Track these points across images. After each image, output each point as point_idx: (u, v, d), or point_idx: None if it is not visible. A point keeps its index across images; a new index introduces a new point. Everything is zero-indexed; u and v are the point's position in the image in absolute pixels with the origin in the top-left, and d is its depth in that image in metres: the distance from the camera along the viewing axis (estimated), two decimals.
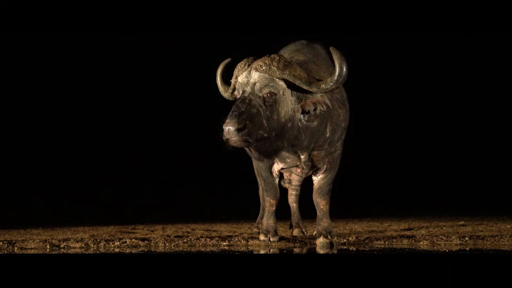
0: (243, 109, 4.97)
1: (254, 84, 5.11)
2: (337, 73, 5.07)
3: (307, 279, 4.00)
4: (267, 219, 6.01)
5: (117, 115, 11.97)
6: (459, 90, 11.89)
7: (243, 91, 5.12)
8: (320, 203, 5.80)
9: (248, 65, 5.20)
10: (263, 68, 5.11)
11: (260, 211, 6.84)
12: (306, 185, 6.22)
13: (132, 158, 11.93)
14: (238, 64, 5.29)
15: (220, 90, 5.61)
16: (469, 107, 11.97)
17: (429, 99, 11.96)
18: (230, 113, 4.96)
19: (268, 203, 5.98)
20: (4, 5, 10.29)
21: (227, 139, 4.95)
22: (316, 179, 5.82)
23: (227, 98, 5.57)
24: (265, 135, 5.02)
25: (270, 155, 5.34)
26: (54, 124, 11.81)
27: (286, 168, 5.82)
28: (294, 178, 6.57)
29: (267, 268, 4.40)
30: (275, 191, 5.95)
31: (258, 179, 6.82)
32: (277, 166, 5.83)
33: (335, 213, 6.29)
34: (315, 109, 5.18)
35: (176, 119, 11.89)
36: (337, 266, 4.44)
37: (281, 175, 6.19)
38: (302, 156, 5.53)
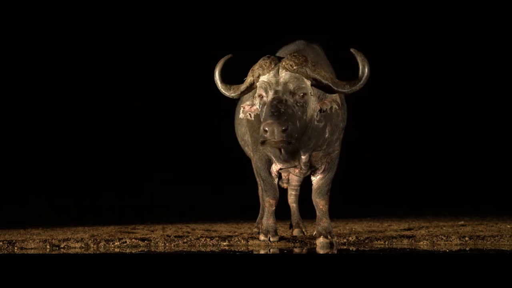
0: (283, 110, 4.92)
1: (285, 83, 5.05)
2: (364, 74, 5.17)
3: (307, 279, 4.00)
4: (267, 219, 6.00)
5: (117, 115, 11.97)
6: (459, 90, 11.89)
7: (275, 91, 5.03)
8: (320, 203, 5.79)
9: (275, 64, 5.12)
10: (294, 67, 5.07)
11: (260, 211, 6.84)
12: (306, 185, 6.22)
13: (132, 158, 11.93)
14: (261, 63, 5.17)
15: (220, 87, 5.48)
16: (469, 107, 11.97)
17: (429, 99, 11.96)
18: (270, 113, 4.87)
19: (267, 203, 5.97)
20: (4, 5, 10.29)
21: (267, 140, 4.87)
22: (315, 179, 5.81)
23: (229, 96, 5.46)
24: (297, 135, 5.00)
25: (295, 156, 5.38)
26: (54, 124, 11.81)
27: (285, 168, 5.82)
28: (293, 178, 6.56)
29: (267, 268, 4.39)
30: (275, 191, 5.94)
31: (258, 179, 6.82)
32: (275, 167, 5.81)
33: (335, 213, 6.28)
34: (330, 108, 5.21)
35: (176, 119, 11.89)
36: (337, 266, 4.43)
37: (279, 175, 6.18)
38: (303, 157, 5.52)
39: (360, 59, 5.19)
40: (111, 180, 11.64)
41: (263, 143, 4.93)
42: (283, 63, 5.10)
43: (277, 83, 5.06)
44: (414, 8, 10.46)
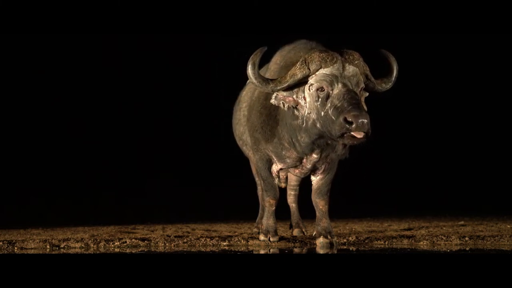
0: (360, 103, 4.92)
1: (351, 77, 5.02)
2: (395, 74, 5.37)
3: (307, 279, 4.00)
4: (267, 219, 6.00)
5: (117, 115, 11.97)
6: (458, 90, 11.88)
7: (344, 84, 4.97)
8: (319, 204, 5.79)
9: (336, 58, 5.03)
10: (356, 62, 5.06)
11: (260, 211, 6.84)
12: (306, 185, 6.22)
13: (132, 158, 11.93)
14: (321, 55, 5.03)
15: (256, 81, 5.17)
16: (468, 107, 11.96)
17: (429, 98, 11.95)
18: (352, 105, 4.82)
19: (267, 203, 5.97)
20: (4, 5, 10.28)
21: (351, 133, 4.84)
22: (315, 180, 5.80)
23: (268, 90, 5.20)
24: None
25: (310, 151, 5.39)
26: (54, 124, 11.80)
27: (285, 168, 5.81)
28: (292, 178, 6.56)
29: (267, 268, 4.39)
30: (275, 191, 5.93)
31: (257, 179, 6.82)
32: (276, 167, 5.80)
33: (335, 213, 6.28)
34: None
35: (176, 119, 11.88)
36: (337, 266, 4.44)
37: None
38: (315, 155, 5.48)
39: (392, 60, 5.35)
40: (111, 180, 11.62)
41: (342, 135, 4.87)
42: (347, 57, 5.06)
43: (342, 76, 5.00)
44: (415, 8, 10.45)
